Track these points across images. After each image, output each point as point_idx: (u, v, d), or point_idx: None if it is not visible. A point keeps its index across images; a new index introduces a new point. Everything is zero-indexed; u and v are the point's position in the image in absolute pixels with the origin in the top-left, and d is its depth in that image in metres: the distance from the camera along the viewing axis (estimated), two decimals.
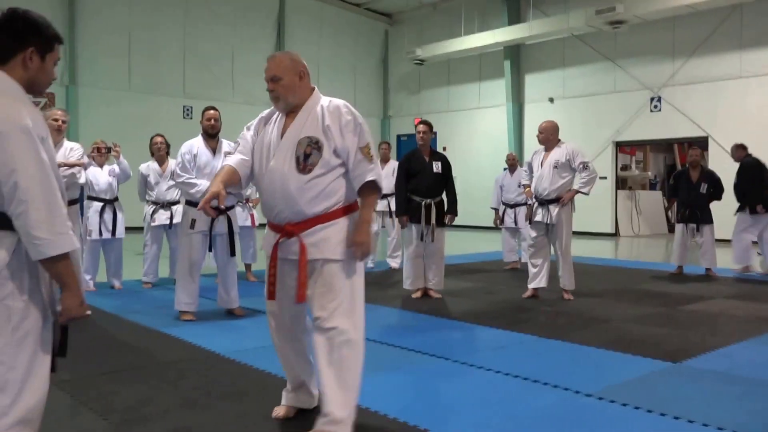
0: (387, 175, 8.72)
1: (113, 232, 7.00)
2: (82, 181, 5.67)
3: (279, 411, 3.17)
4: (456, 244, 12.78)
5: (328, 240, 2.86)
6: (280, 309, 3.03)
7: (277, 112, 3.02)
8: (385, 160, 9.02)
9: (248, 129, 3.10)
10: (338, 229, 2.88)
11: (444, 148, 18.71)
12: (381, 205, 8.85)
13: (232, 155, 3.05)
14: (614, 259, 10.86)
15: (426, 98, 19.55)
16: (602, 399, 3.46)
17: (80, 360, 4.22)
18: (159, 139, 7.30)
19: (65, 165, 5.47)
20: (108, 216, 6.98)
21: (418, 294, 6.66)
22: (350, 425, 2.82)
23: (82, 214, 7.14)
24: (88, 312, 5.15)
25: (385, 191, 8.63)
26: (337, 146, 2.86)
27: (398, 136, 19.97)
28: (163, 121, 14.54)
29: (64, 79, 15.07)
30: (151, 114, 15.18)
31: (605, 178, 15.27)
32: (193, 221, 5.38)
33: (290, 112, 2.95)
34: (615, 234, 15.76)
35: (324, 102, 2.94)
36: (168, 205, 7.28)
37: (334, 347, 2.82)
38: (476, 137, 18.29)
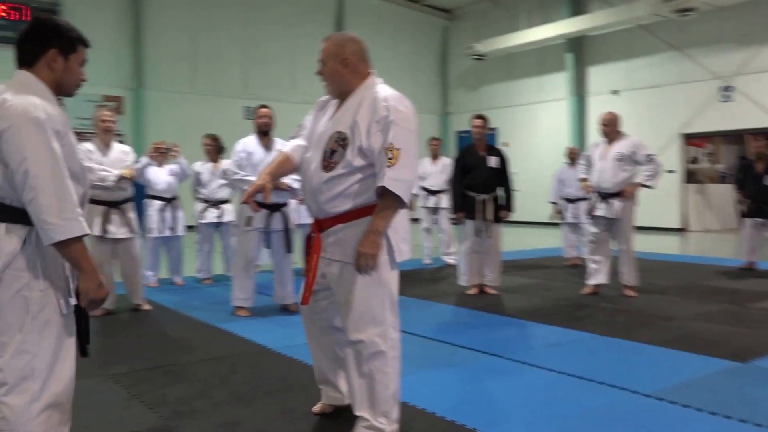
0: (437, 172, 8.67)
1: (173, 230, 7.17)
2: (109, 183, 5.68)
3: (316, 407, 3.14)
4: (516, 240, 12.57)
5: (347, 242, 2.67)
6: (311, 304, 2.95)
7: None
8: (435, 157, 8.92)
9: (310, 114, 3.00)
10: (359, 230, 2.64)
11: (505, 144, 18.47)
12: (431, 201, 8.78)
13: (291, 141, 2.97)
14: (681, 255, 10.45)
15: (486, 94, 19.30)
16: (662, 400, 3.30)
17: (136, 354, 4.34)
18: (207, 140, 7.46)
19: (125, 176, 5.60)
20: (168, 214, 7.14)
21: (474, 290, 6.55)
22: (390, 431, 2.73)
23: (141, 213, 7.33)
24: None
25: (435, 188, 8.70)
26: (363, 145, 2.61)
27: (458, 133, 19.78)
28: (224, 121, 14.80)
29: (132, 83, 15.55)
30: (213, 115, 15.48)
31: (673, 171, 14.73)
32: (249, 218, 5.42)
33: (342, 99, 2.77)
34: (683, 229, 15.18)
35: (371, 93, 2.69)
36: (217, 203, 7.39)
37: (363, 360, 2.69)
38: (537, 132, 17.94)
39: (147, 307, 5.84)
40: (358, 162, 2.63)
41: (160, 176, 7.08)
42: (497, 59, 18.50)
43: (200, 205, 7.45)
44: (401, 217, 2.74)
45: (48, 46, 2.15)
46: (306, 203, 2.87)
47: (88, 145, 5.59)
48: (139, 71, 15.56)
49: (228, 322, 5.27)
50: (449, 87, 20.52)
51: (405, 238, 2.75)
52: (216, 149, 7.44)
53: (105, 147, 5.64)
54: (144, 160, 6.51)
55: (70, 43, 2.20)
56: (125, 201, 5.74)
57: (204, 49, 16.23)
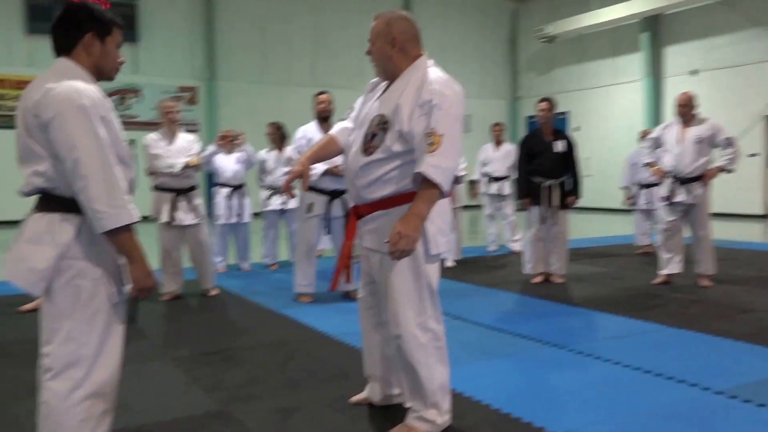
0: (500, 158, 8.47)
1: (240, 217, 7.28)
2: (176, 171, 5.73)
3: (354, 397, 3.11)
4: (586, 228, 12.22)
5: (383, 231, 2.55)
6: (363, 295, 2.92)
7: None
8: (498, 143, 8.72)
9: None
10: (394, 218, 2.50)
11: (576, 129, 17.96)
12: (494, 188, 8.60)
13: (339, 123, 2.91)
14: (763, 243, 9.89)
15: (557, 77, 18.79)
16: (735, 398, 3.10)
17: (199, 338, 4.42)
18: (270, 128, 7.48)
19: (191, 164, 5.70)
20: (235, 201, 7.26)
21: (539, 279, 6.37)
22: (441, 423, 2.67)
23: (210, 200, 7.46)
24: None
25: (497, 174, 8.51)
26: (404, 129, 2.48)
27: (528, 118, 19.36)
28: (293, 110, 14.90)
29: (205, 74, 15.91)
30: (282, 103, 15.66)
31: (756, 155, 13.97)
32: (310, 205, 5.43)
33: (391, 81, 2.64)
34: (766, 215, 14.39)
35: (419, 75, 2.54)
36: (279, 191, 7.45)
37: (404, 354, 2.62)
38: (610, 116, 17.33)
39: (214, 292, 5.94)
40: (397, 148, 2.52)
41: (228, 164, 7.19)
42: (568, 41, 17.96)
43: (265, 192, 7.53)
44: (440, 207, 2.57)
45: (84, 31, 2.13)
46: (346, 186, 2.79)
47: (154, 135, 5.74)
48: (212, 62, 15.94)
49: (290, 308, 5.30)
50: (518, 71, 20.10)
51: (442, 230, 2.61)
52: (279, 137, 7.48)
53: (171, 136, 5.75)
54: (211, 148, 6.62)
55: (105, 25, 2.18)
56: (192, 188, 5.84)
57: (274, 39, 16.43)
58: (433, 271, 2.65)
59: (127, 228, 2.03)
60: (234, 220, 7.26)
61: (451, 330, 4.43)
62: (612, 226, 12.61)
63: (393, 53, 2.60)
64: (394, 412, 2.88)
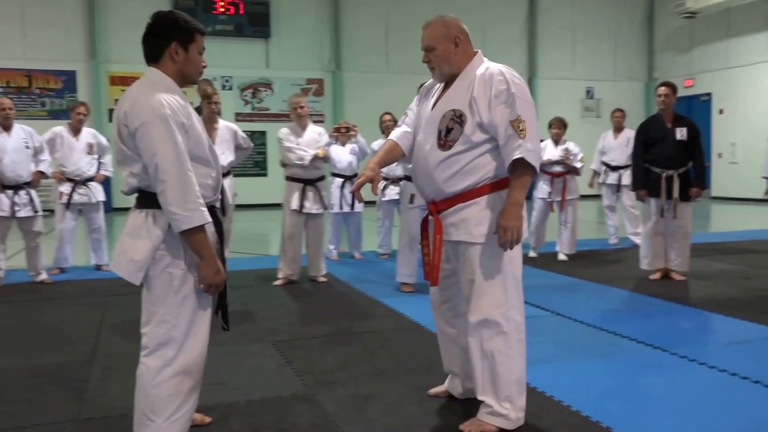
0: (620, 146, 8.10)
1: (352, 206, 7.46)
2: (306, 162, 6.00)
3: (432, 389, 3.15)
4: (725, 220, 11.41)
5: (467, 221, 2.65)
6: (435, 291, 2.95)
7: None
8: (618, 129, 8.35)
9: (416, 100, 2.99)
10: (479, 209, 2.64)
11: (720, 111, 16.75)
12: (612, 177, 8.23)
13: (397, 128, 2.98)
14: None
15: (699, 56, 17.51)
16: None
17: (300, 323, 4.66)
18: (387, 117, 7.50)
19: (319, 156, 5.98)
20: (347, 191, 7.44)
21: (657, 275, 6.05)
22: (515, 419, 2.67)
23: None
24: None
25: (616, 163, 8.13)
26: (483, 120, 2.58)
27: None
28: None
29: (331, 65, 16.37)
30: (406, 93, 15.70)
31: None
32: (412, 196, 5.50)
33: (449, 81, 2.75)
34: None
35: (481, 69, 2.66)
36: (397, 180, 7.53)
37: (484, 341, 2.65)
38: (760, 97, 15.90)
39: (322, 279, 6.20)
40: (478, 137, 2.61)
41: (342, 155, 7.39)
42: (712, 16, 16.66)
43: (381, 183, 7.65)
44: None
45: (169, 40, 2.32)
46: (418, 187, 2.85)
47: (286, 129, 6.10)
48: (338, 55, 16.39)
49: (390, 297, 5.41)
50: (655, 51, 18.93)
51: (524, 216, 2.66)
52: (395, 126, 7.56)
53: (301, 129, 6.08)
54: (325, 139, 6.84)
55: (188, 33, 2.35)
56: (319, 179, 6.16)
57: (397, 31, 16.58)
58: (517, 259, 2.70)
59: (200, 228, 2.22)
60: (347, 209, 7.45)
61: (549, 327, 4.44)
62: (754, 219, 11.69)
63: (457, 52, 2.70)
64: (470, 406, 2.88)
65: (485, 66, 2.68)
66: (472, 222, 2.64)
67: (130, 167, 2.29)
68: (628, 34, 18.78)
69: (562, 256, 7.17)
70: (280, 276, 6.10)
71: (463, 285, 2.75)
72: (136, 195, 2.36)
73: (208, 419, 2.84)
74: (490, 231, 2.63)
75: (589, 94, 18.52)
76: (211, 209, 2.38)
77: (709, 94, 16.98)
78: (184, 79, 2.40)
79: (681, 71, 17.85)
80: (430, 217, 2.82)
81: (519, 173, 2.57)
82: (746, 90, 16.21)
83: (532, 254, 7.33)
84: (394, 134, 2.94)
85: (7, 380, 3.47)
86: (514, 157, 2.54)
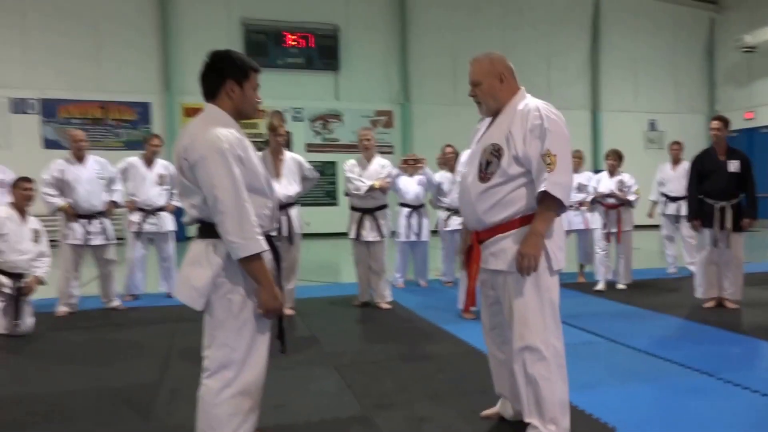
0: (678, 178, 7.97)
1: (419, 236, 7.58)
2: (362, 192, 6.19)
3: (485, 411, 3.21)
4: None
5: (506, 251, 2.72)
6: (485, 317, 3.04)
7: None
8: (676, 161, 8.23)
9: None
10: (516, 239, 2.70)
11: None
12: (671, 208, 8.11)
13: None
14: None
15: (758, 89, 17.01)
16: None
17: (363, 347, 4.77)
18: (449, 149, 7.56)
19: (375, 187, 6.16)
20: (414, 220, 7.55)
21: (711, 304, 5.94)
22: None
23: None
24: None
25: (675, 194, 7.99)
26: (518, 154, 2.65)
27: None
28: None
29: (399, 97, 16.58)
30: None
31: None
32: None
33: (495, 116, 2.84)
34: None
35: (521, 105, 2.73)
36: (458, 211, 7.61)
37: (527, 367, 2.72)
38: None
39: (385, 306, 6.28)
40: (514, 170, 2.68)
41: (410, 186, 7.50)
42: None
43: (444, 213, 7.76)
44: (557, 225, 2.74)
45: (225, 78, 2.41)
46: (464, 217, 2.96)
47: (352, 161, 6.33)
48: (406, 86, 16.49)
49: (451, 324, 5.48)
50: (716, 84, 18.48)
51: (561, 247, 2.75)
52: (457, 158, 7.68)
53: (366, 161, 6.30)
54: (395, 171, 7.03)
55: (243, 71, 2.43)
56: (378, 208, 6.31)
57: (464, 59, 16.49)
58: (554, 287, 2.77)
59: (257, 256, 2.31)
60: (413, 238, 7.57)
61: (601, 352, 4.46)
62: None
63: (501, 87, 2.79)
64: (520, 428, 2.93)
65: (525, 102, 2.75)
66: (510, 252, 2.70)
67: (191, 199, 2.36)
68: (688, 67, 18.45)
69: (620, 286, 7.08)
70: (358, 299, 6.43)
71: (505, 312, 2.83)
72: (197, 225, 2.43)
73: None
74: (513, 260, 2.69)
75: (652, 126, 18.18)
76: (268, 238, 2.42)
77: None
78: (240, 114, 2.46)
79: (741, 104, 17.35)
80: (472, 246, 2.90)
81: (545, 205, 2.63)
82: None
83: (599, 287, 7.12)
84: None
85: (79, 401, 3.58)
86: (540, 189, 2.61)
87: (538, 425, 2.74)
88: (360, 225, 6.22)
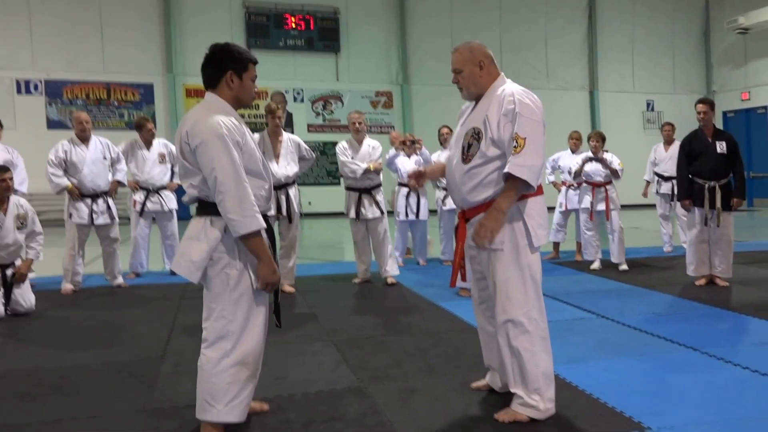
0: (671, 158, 7.96)
1: (417, 215, 7.60)
2: (357, 175, 6.28)
3: (474, 383, 3.28)
4: None
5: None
6: (474, 292, 3.10)
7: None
8: (668, 142, 8.26)
9: None
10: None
11: None
12: (665, 187, 8.14)
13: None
14: None
15: (753, 70, 16.93)
16: None
17: (361, 323, 4.82)
18: (445, 129, 7.56)
19: (370, 170, 6.24)
20: (413, 200, 7.55)
21: (702, 281, 5.99)
22: (543, 409, 2.78)
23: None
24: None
25: (668, 174, 8.00)
26: (494, 137, 2.74)
27: (724, 113, 17.62)
28: None
29: (399, 79, 16.53)
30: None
31: None
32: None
33: (477, 100, 2.91)
34: None
35: (499, 90, 2.81)
36: None
37: (511, 340, 2.79)
38: None
39: (391, 281, 6.38)
40: (492, 152, 2.77)
41: (407, 166, 7.50)
42: (765, 32, 16.05)
43: (441, 193, 7.80)
44: (537, 204, 2.82)
45: (225, 69, 2.53)
46: (451, 196, 3.05)
47: (344, 143, 6.41)
48: (406, 68, 16.46)
49: (449, 301, 5.50)
50: (712, 65, 18.37)
51: (541, 224, 2.81)
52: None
53: (357, 143, 6.38)
54: (392, 151, 7.05)
55: (242, 63, 2.56)
56: (374, 187, 6.41)
57: (462, 40, 16.59)
58: (535, 263, 2.83)
59: (256, 233, 2.42)
60: (412, 217, 7.58)
61: (592, 328, 4.52)
62: None
63: (481, 74, 2.87)
64: (508, 398, 2.98)
65: (503, 87, 2.82)
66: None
67: (191, 180, 2.50)
68: (685, 49, 18.34)
69: (623, 267, 7.00)
70: (358, 276, 6.52)
71: (490, 287, 2.90)
72: (196, 204, 2.56)
73: (266, 406, 2.99)
74: (512, 237, 2.77)
75: (650, 106, 18.11)
76: (264, 217, 2.52)
77: (765, 107, 16.36)
78: (239, 103, 2.59)
79: (738, 85, 17.28)
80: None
81: (510, 184, 2.72)
82: None
83: (594, 266, 7.12)
84: (444, 154, 3.16)
85: (84, 374, 3.68)
86: (504, 170, 2.71)
87: (522, 395, 2.80)
88: (359, 204, 6.29)
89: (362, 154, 6.31)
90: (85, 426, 2.95)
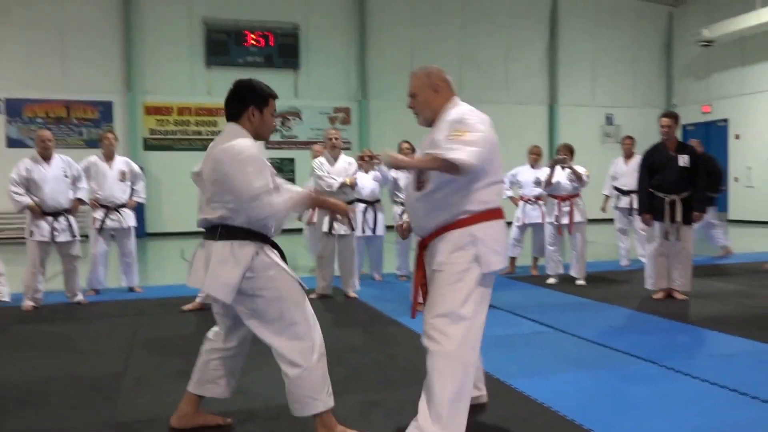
0: (630, 172, 8.26)
1: (374, 230, 7.71)
2: (334, 189, 6.46)
3: None
4: (742, 242, 11.40)
5: (437, 252, 2.76)
6: None
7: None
8: (628, 156, 8.56)
9: None
10: (446, 240, 2.74)
11: (736, 137, 16.76)
12: (624, 202, 8.43)
13: None
14: None
15: (716, 82, 17.57)
16: None
17: (331, 336, 4.83)
18: (405, 145, 7.73)
19: (347, 183, 6.49)
20: (370, 216, 7.67)
21: (661, 295, 6.22)
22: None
23: None
24: None
25: (627, 188, 8.29)
26: None
27: (684, 126, 18.22)
28: None
29: (357, 95, 16.73)
30: None
31: None
32: None
33: (433, 125, 2.91)
34: None
35: (452, 113, 2.81)
36: None
37: (429, 357, 2.72)
38: None
39: (353, 294, 6.63)
40: (443, 176, 2.71)
41: (365, 182, 7.62)
42: (729, 44, 16.73)
43: (400, 208, 7.92)
44: (492, 228, 2.76)
45: (248, 104, 2.81)
46: (412, 224, 3.03)
47: (321, 158, 6.67)
48: (364, 84, 16.67)
49: (405, 315, 5.51)
50: (674, 77, 19.02)
51: (495, 250, 2.74)
52: (413, 154, 7.84)
53: (333, 159, 6.63)
54: (355, 168, 7.17)
55: (264, 99, 2.85)
56: (348, 203, 6.43)
57: (422, 57, 16.78)
58: (477, 287, 2.71)
59: (304, 203, 2.90)
60: (369, 233, 7.70)
61: (549, 342, 4.67)
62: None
63: (436, 98, 2.90)
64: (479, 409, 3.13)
65: (455, 109, 2.83)
66: (441, 252, 2.75)
67: (222, 203, 2.73)
68: (647, 62, 18.93)
69: (580, 282, 7.19)
70: (317, 291, 6.59)
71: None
72: (208, 227, 2.79)
73: (228, 420, 3.13)
74: (452, 258, 2.71)
75: (609, 120, 18.64)
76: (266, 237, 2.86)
77: (725, 120, 17.02)
78: (257, 136, 2.85)
79: (699, 98, 17.94)
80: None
81: (432, 155, 2.66)
82: (762, 116, 16.23)
83: (550, 281, 7.31)
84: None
85: (49, 388, 3.79)
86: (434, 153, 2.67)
87: (420, 418, 2.72)
88: (333, 219, 6.46)
89: (338, 170, 6.57)
90: None
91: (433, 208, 2.79)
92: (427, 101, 2.91)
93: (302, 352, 2.76)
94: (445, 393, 2.65)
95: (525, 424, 3.03)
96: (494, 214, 2.79)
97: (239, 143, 2.70)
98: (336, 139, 6.65)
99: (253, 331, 2.83)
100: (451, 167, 2.61)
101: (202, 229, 2.89)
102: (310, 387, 2.78)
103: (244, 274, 2.69)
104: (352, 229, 6.63)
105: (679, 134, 18.29)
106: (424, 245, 2.89)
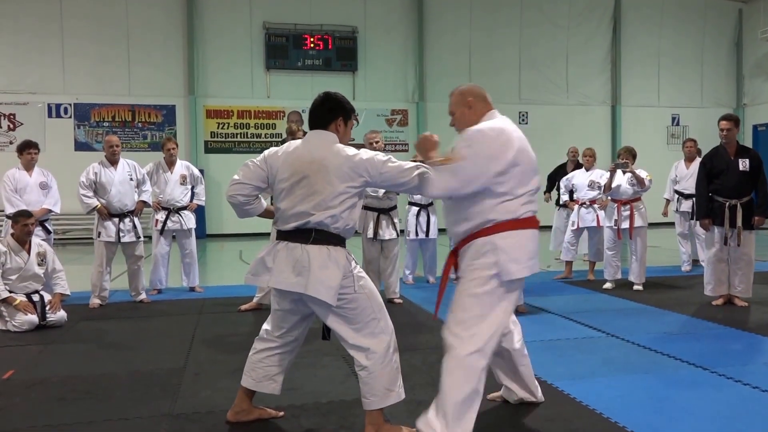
0: (691, 176, 8.13)
1: (427, 233, 7.83)
2: (380, 195, 6.58)
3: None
4: None
5: (462, 259, 2.90)
6: None
7: None
8: (690, 159, 8.42)
9: None
10: (471, 248, 2.85)
11: None
12: (685, 205, 8.30)
13: None
14: None
15: None
16: None
17: None
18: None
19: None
20: (423, 219, 7.80)
21: (720, 301, 6.15)
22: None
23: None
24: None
25: (689, 191, 8.18)
26: None
27: (755, 127, 17.70)
28: None
29: (415, 97, 16.88)
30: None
31: None
32: None
33: None
34: None
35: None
36: None
37: (444, 357, 2.84)
38: None
39: (398, 300, 6.63)
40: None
41: None
42: None
43: (414, 209, 7.94)
44: (514, 238, 2.83)
45: (336, 115, 3.09)
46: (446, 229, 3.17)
47: None
48: (422, 85, 16.83)
49: None
50: (743, 77, 18.46)
51: (515, 258, 2.81)
52: None
53: None
54: None
55: (349, 113, 3.15)
56: (392, 208, 6.70)
57: (480, 57, 16.87)
58: (497, 296, 2.81)
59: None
60: (422, 236, 7.82)
61: (600, 346, 4.73)
62: None
63: (470, 113, 3.08)
64: (519, 409, 3.27)
65: (479, 125, 2.96)
66: (465, 259, 2.89)
67: (333, 210, 2.94)
68: (714, 60, 18.44)
69: (637, 287, 7.12)
70: None
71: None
72: (301, 229, 2.97)
73: (281, 413, 3.37)
74: (476, 266, 2.82)
75: (675, 121, 18.24)
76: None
77: None
78: None
79: None
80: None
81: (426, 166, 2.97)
82: None
83: (607, 286, 7.27)
84: None
85: (113, 382, 4.09)
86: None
87: (430, 413, 2.83)
88: (377, 224, 6.54)
89: None
90: (117, 427, 3.34)
91: (458, 216, 2.93)
92: (463, 117, 3.11)
93: (383, 345, 3.00)
94: (453, 394, 2.77)
95: (566, 424, 3.11)
96: (521, 223, 2.86)
97: (346, 149, 2.98)
98: (377, 142, 6.47)
99: (334, 329, 3.06)
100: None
101: (268, 231, 3.09)
102: (388, 379, 3.00)
103: (344, 276, 2.92)
104: (397, 235, 6.57)
105: (749, 135, 17.86)
106: (455, 251, 3.00)
